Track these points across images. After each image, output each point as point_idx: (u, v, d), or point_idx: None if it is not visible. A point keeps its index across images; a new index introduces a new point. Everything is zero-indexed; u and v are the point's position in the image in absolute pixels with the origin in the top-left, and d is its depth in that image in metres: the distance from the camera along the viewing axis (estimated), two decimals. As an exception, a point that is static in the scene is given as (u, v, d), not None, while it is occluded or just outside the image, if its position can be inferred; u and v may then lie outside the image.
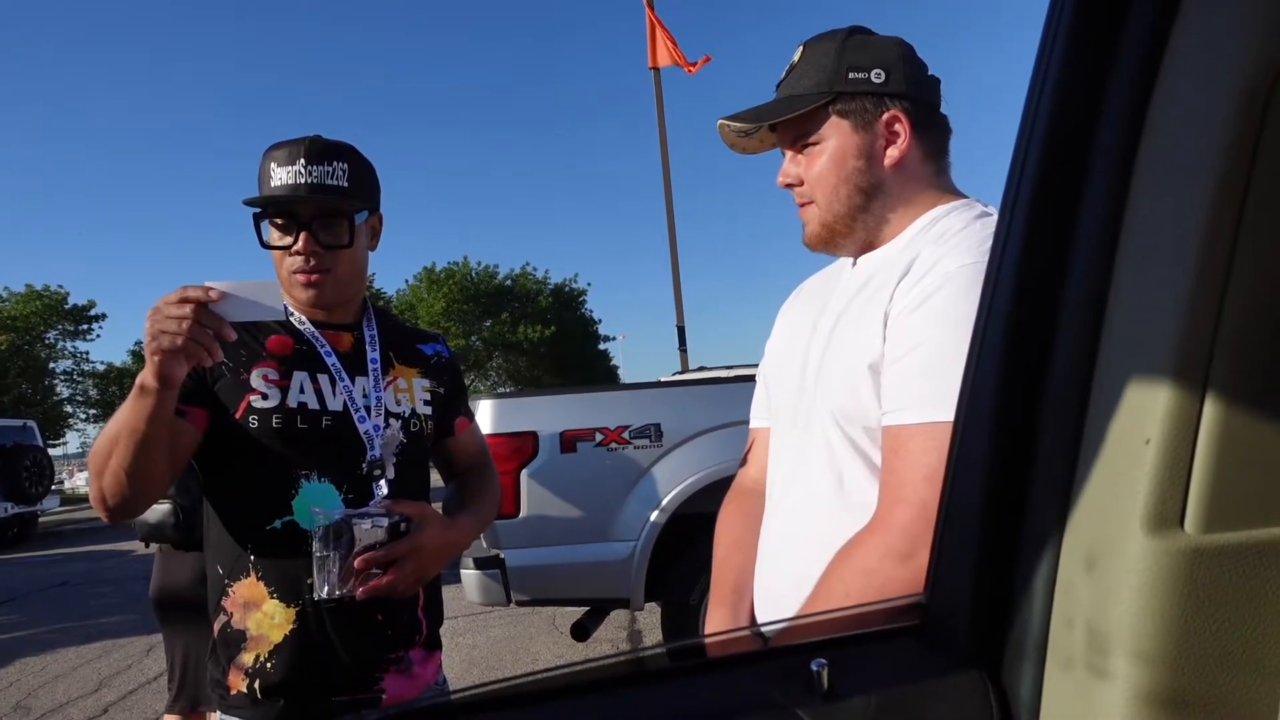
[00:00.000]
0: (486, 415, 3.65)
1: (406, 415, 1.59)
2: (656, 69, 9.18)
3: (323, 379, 1.51)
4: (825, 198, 1.20)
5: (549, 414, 3.71)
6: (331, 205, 1.50)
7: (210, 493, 1.53)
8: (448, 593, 1.75)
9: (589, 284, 39.35)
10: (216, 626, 1.47)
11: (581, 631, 4.11)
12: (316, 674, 1.44)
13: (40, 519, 16.33)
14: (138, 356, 31.46)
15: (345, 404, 1.51)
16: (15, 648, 6.23)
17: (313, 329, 1.55)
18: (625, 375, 43.55)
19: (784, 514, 1.25)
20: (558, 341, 33.81)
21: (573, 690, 0.65)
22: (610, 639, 5.35)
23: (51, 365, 30.59)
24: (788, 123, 1.21)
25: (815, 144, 1.20)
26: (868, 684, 0.62)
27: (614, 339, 39.95)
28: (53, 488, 15.79)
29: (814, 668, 0.61)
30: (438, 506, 1.61)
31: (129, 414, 1.30)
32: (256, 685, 1.43)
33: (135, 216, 71.50)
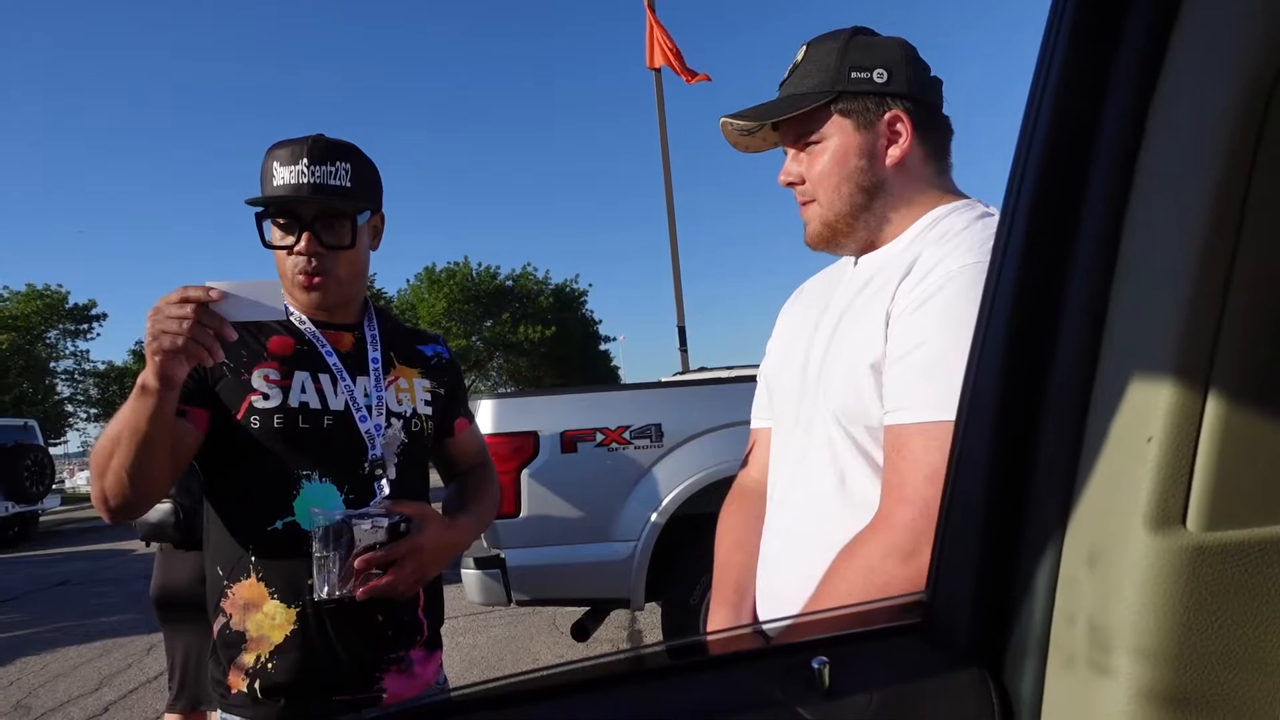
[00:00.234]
0: (487, 415, 3.65)
1: (408, 415, 1.59)
2: (656, 69, 9.18)
3: (324, 379, 1.51)
4: (827, 196, 1.20)
5: (550, 414, 3.71)
6: (334, 206, 1.50)
7: (211, 493, 1.52)
8: (448, 593, 1.75)
9: (590, 284, 39.41)
10: (216, 627, 1.47)
11: (582, 632, 4.11)
12: (317, 674, 1.44)
13: (41, 518, 16.33)
14: (138, 356, 31.47)
15: (347, 404, 1.51)
16: (16, 647, 6.23)
17: (314, 329, 1.55)
18: (626, 375, 43.58)
19: (786, 514, 1.25)
20: (558, 342, 33.82)
21: (573, 688, 0.65)
22: (611, 639, 5.35)
23: (52, 364, 30.62)
24: (790, 121, 1.21)
25: (817, 143, 1.20)
26: (869, 682, 0.62)
27: (615, 339, 40.01)
28: (54, 487, 15.80)
29: (815, 666, 0.61)
30: (437, 507, 1.61)
31: (130, 414, 1.30)
32: (257, 685, 1.43)
33: (135, 215, 71.57)
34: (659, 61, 9.02)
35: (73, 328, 30.81)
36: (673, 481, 3.70)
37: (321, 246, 1.50)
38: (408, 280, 35.47)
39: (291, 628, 1.43)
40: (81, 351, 31.52)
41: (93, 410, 31.82)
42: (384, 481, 1.50)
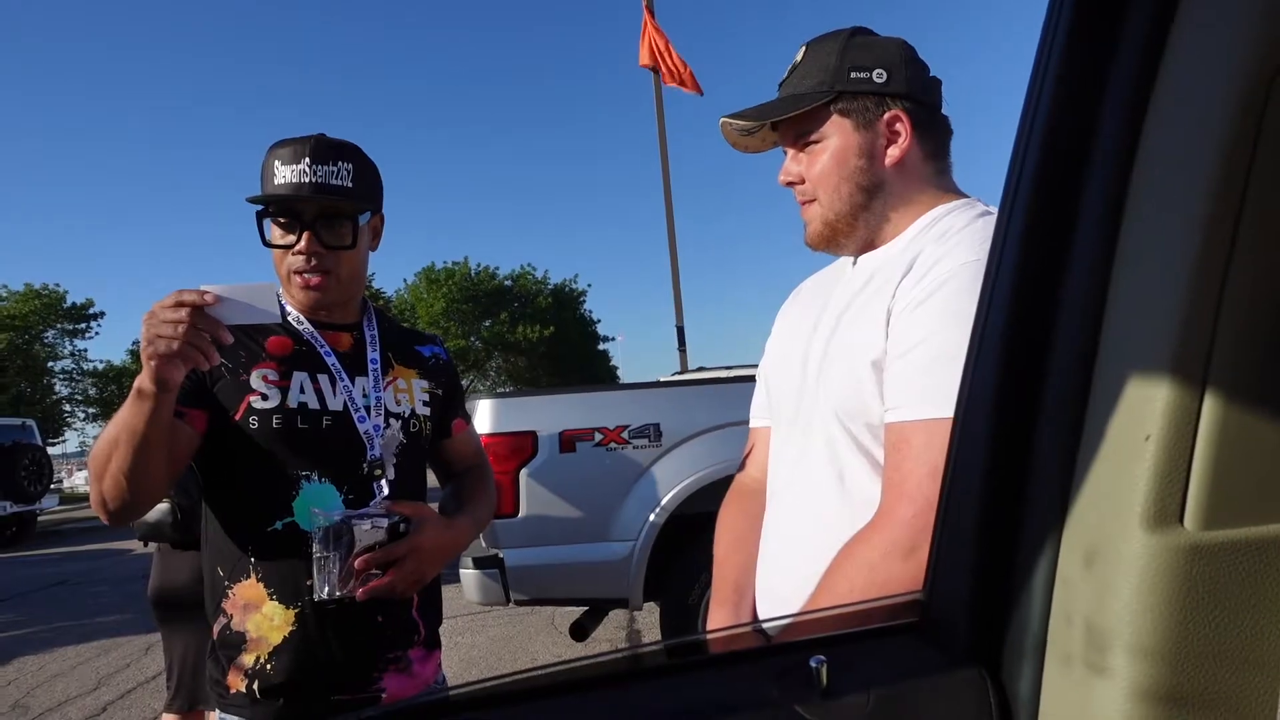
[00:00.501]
0: (486, 415, 3.65)
1: (406, 416, 1.59)
2: (650, 69, 9.18)
3: (323, 379, 1.51)
4: (827, 196, 1.21)
5: (548, 414, 3.71)
6: (335, 206, 1.50)
7: (210, 494, 1.52)
8: (447, 592, 1.75)
9: (589, 285, 39.41)
10: (216, 628, 1.47)
11: (580, 631, 4.11)
12: (316, 674, 1.44)
13: (39, 518, 16.31)
14: (136, 356, 31.37)
15: (345, 404, 1.51)
16: (13, 647, 6.22)
17: (312, 329, 1.55)
18: (624, 375, 43.60)
19: (785, 512, 1.25)
20: (557, 342, 33.82)
21: (570, 687, 0.65)
22: (609, 639, 5.35)
23: (50, 364, 30.59)
24: (790, 121, 1.21)
25: (817, 142, 1.20)
26: (866, 681, 0.62)
27: (613, 339, 39.99)
28: (51, 487, 15.78)
29: (813, 664, 0.61)
30: (434, 507, 1.60)
31: (128, 417, 1.30)
32: (256, 686, 1.43)
33: (132, 212, 71.47)
34: (647, 60, 9.02)
35: (70, 327, 30.79)
36: (671, 481, 3.70)
37: (322, 246, 1.49)
38: (405, 280, 35.49)
39: (290, 628, 1.43)
40: (79, 351, 31.52)
41: (91, 410, 31.81)
42: (383, 482, 1.50)
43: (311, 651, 1.43)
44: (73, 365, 31.44)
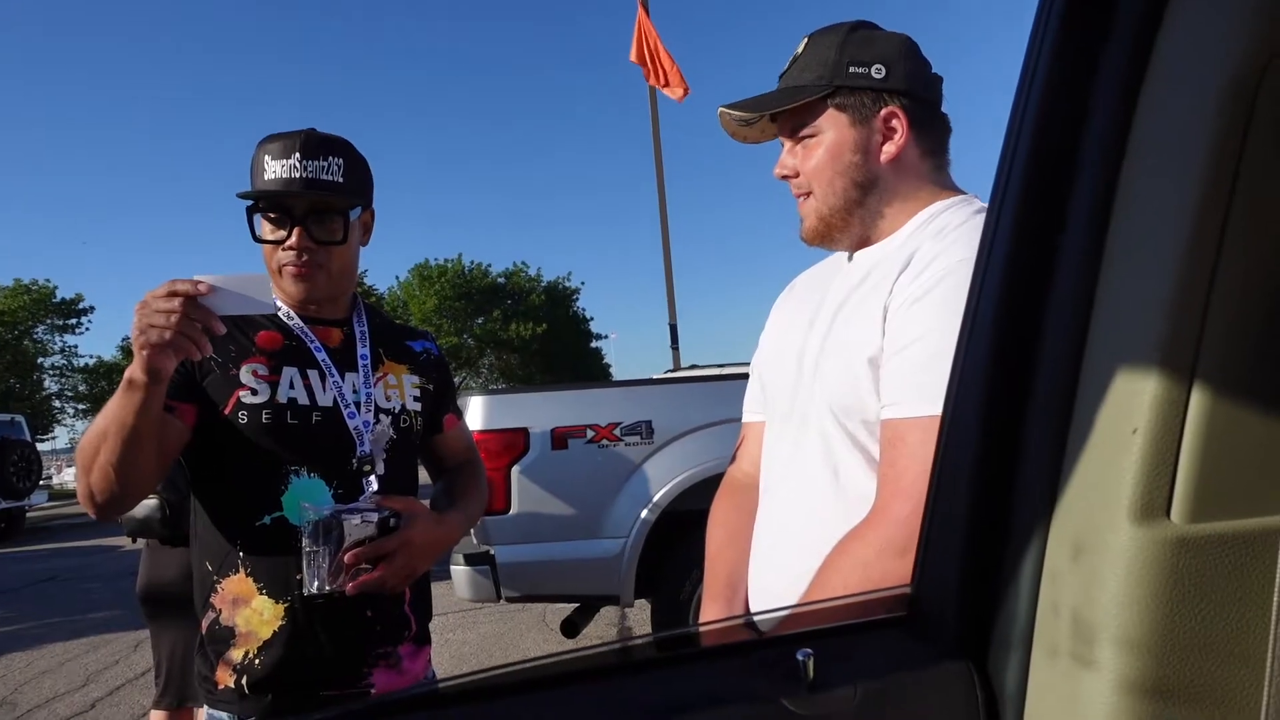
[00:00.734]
0: (478, 411, 3.65)
1: (396, 411, 1.58)
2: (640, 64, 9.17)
3: (312, 374, 1.51)
4: (821, 190, 1.20)
5: (540, 410, 3.71)
6: (326, 202, 1.49)
7: (199, 489, 1.52)
8: (437, 589, 1.75)
9: (582, 282, 39.42)
10: (205, 623, 1.46)
11: (571, 628, 4.11)
12: (305, 669, 1.44)
13: (28, 514, 16.23)
14: (127, 351, 31.29)
15: (335, 399, 1.50)
16: (2, 643, 6.19)
17: (302, 324, 1.54)
18: (617, 373, 43.61)
19: (779, 508, 1.25)
20: (550, 339, 33.80)
21: (559, 680, 0.65)
22: (600, 635, 5.35)
23: (40, 360, 30.44)
24: (787, 114, 1.21)
25: (813, 136, 1.20)
26: (853, 674, 0.62)
27: (606, 337, 40.00)
28: (41, 483, 15.70)
29: (800, 658, 0.61)
30: (425, 503, 1.60)
31: (117, 409, 1.29)
32: (244, 681, 1.42)
33: (123, 207, 71.14)
34: (637, 57, 9.01)
35: (60, 322, 30.64)
36: (663, 478, 3.70)
37: (312, 241, 1.49)
38: (398, 277, 35.43)
39: (280, 623, 1.42)
40: (70, 347, 31.38)
41: (80, 406, 31.66)
42: (372, 478, 1.50)
43: (301, 647, 1.43)
44: (63, 361, 31.32)
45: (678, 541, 3.76)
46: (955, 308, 1.00)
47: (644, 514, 3.68)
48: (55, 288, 30.21)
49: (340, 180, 1.50)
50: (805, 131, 1.20)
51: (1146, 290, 0.54)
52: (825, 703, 0.61)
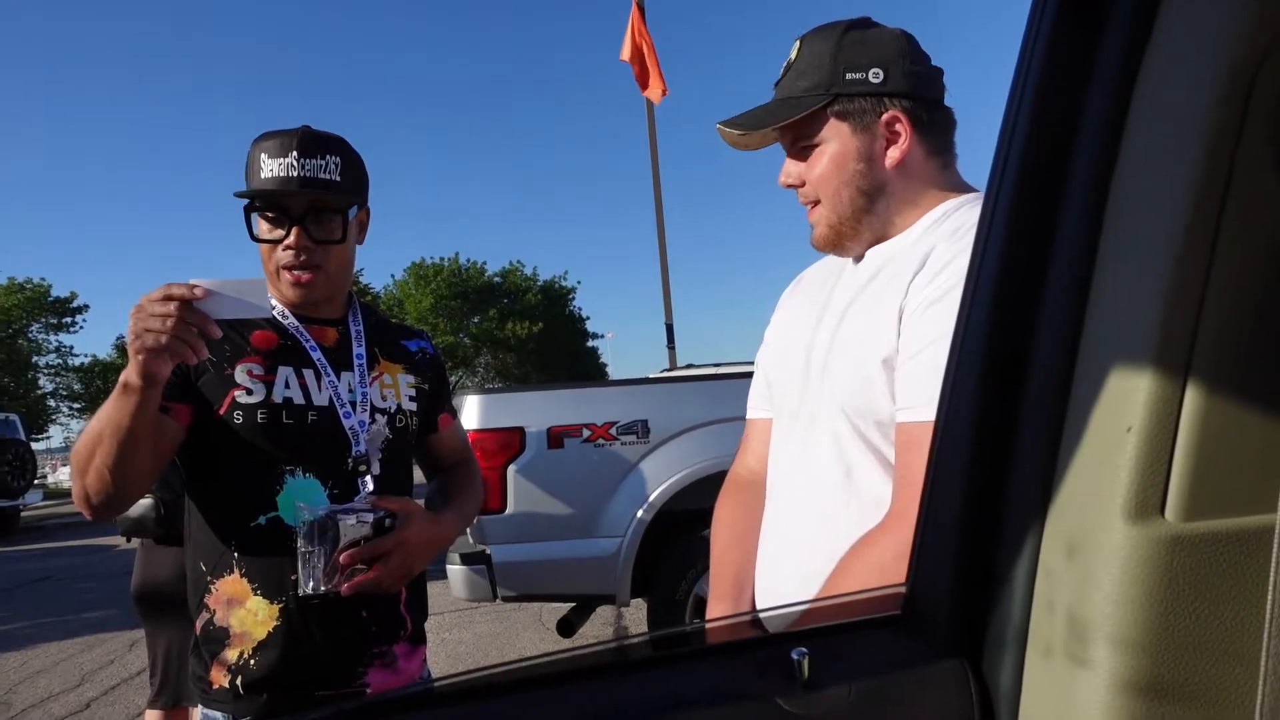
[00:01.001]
0: (473, 410, 3.64)
1: (392, 411, 1.58)
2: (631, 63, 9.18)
3: (308, 374, 1.50)
4: (829, 200, 1.18)
5: (536, 410, 3.71)
6: (324, 200, 1.48)
7: (193, 489, 1.51)
8: (433, 588, 1.75)
9: (578, 281, 39.42)
10: (199, 624, 1.46)
11: (567, 627, 4.11)
12: (300, 669, 1.43)
13: (23, 513, 16.20)
14: (122, 350, 31.20)
15: (331, 399, 1.50)
16: (-4, 643, 6.18)
17: (297, 323, 1.54)
18: (614, 372, 43.63)
19: (788, 508, 1.23)
20: (546, 338, 33.79)
21: (554, 679, 0.65)
22: (596, 635, 5.34)
23: (34, 359, 30.37)
24: (786, 125, 1.18)
25: (815, 146, 1.18)
26: (848, 673, 0.62)
27: (603, 336, 39.98)
28: (35, 482, 15.68)
29: (794, 657, 0.61)
30: (420, 503, 1.60)
31: (112, 412, 1.28)
32: (239, 681, 1.42)
33: (117, 203, 70.94)
34: (624, 56, 9.02)
35: (55, 321, 30.58)
36: (659, 477, 3.70)
37: (310, 240, 1.48)
38: (394, 276, 35.41)
39: (274, 624, 1.42)
40: (65, 346, 31.32)
41: (75, 405, 31.61)
42: (368, 478, 1.49)
43: (296, 647, 1.42)
44: (57, 360, 31.25)
45: (674, 541, 3.76)
46: None
47: (640, 513, 3.68)
48: (50, 286, 30.15)
49: (338, 179, 1.49)
50: (806, 141, 1.18)
51: (1141, 288, 0.54)
52: (820, 702, 0.61)
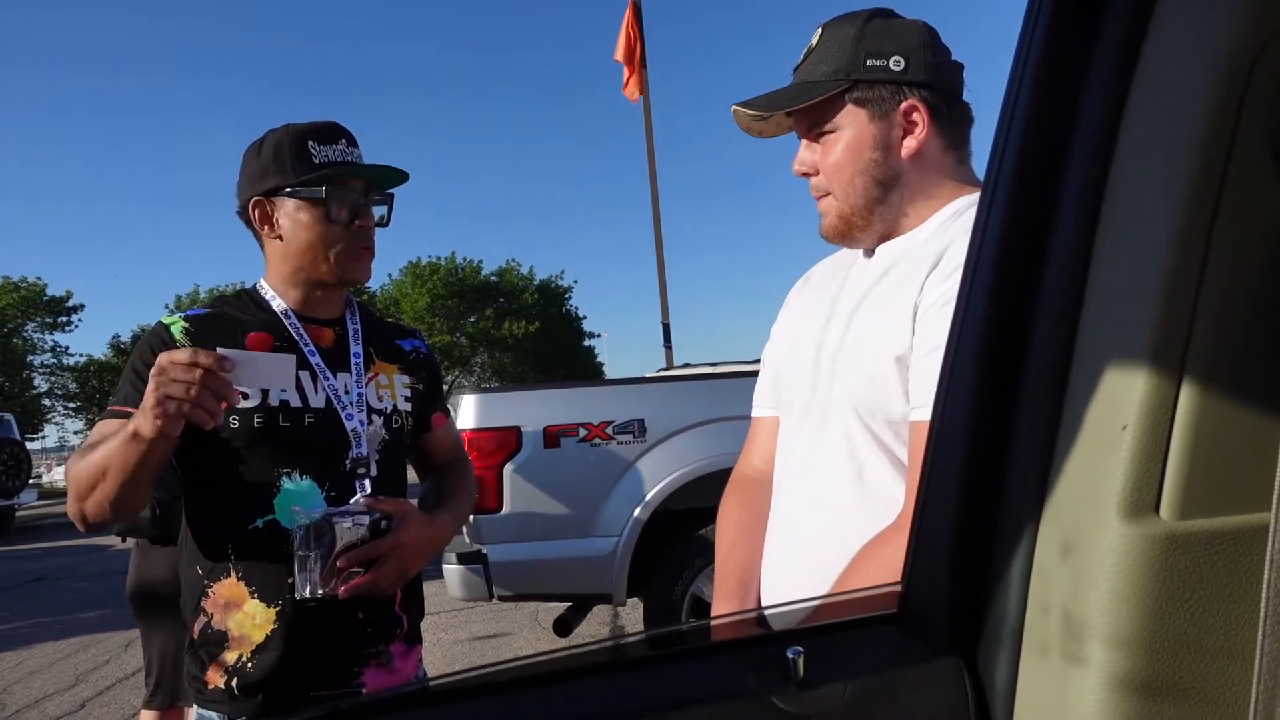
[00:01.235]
0: (470, 410, 3.64)
1: (389, 412, 1.58)
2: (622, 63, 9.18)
3: (304, 375, 1.50)
4: (841, 189, 1.17)
5: (532, 409, 3.71)
6: (397, 182, 1.58)
7: (190, 493, 1.51)
8: (429, 588, 1.74)
9: (575, 280, 39.44)
10: (197, 627, 1.45)
11: (564, 627, 4.11)
12: (297, 671, 1.43)
13: (17, 513, 16.17)
14: (117, 350, 31.22)
15: (328, 400, 1.50)
16: (-9, 643, 6.17)
17: (297, 323, 1.53)
18: (610, 371, 43.63)
19: (796, 506, 1.22)
20: (542, 338, 33.80)
21: (550, 678, 0.65)
22: (593, 635, 5.34)
23: (30, 358, 30.31)
24: (804, 110, 1.17)
25: (831, 132, 1.16)
26: (843, 671, 0.62)
27: (599, 335, 40.03)
28: (30, 482, 15.64)
29: (790, 655, 0.61)
30: (413, 502, 1.59)
31: (120, 455, 1.28)
32: (235, 683, 1.42)
33: (112, 201, 70.76)
34: (618, 56, 9.03)
35: (50, 320, 30.52)
36: (655, 477, 3.70)
37: (374, 223, 1.56)
38: (390, 275, 35.37)
39: (272, 627, 1.42)
40: (60, 346, 31.26)
41: (70, 405, 31.55)
42: (366, 480, 1.49)
43: (293, 649, 1.42)
44: (52, 359, 31.19)
45: (670, 540, 3.76)
46: None
47: (636, 513, 3.68)
48: (45, 285, 30.10)
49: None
50: (822, 128, 1.17)
51: (1136, 287, 0.54)
52: (816, 700, 0.61)
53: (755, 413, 1.43)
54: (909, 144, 1.14)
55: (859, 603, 0.76)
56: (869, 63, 1.13)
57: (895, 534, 1.01)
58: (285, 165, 1.49)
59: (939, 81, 1.14)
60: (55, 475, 34.18)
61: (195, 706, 1.47)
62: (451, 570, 3.69)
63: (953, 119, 1.17)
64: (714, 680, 0.63)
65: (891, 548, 1.00)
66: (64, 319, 30.84)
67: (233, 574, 1.43)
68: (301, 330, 1.53)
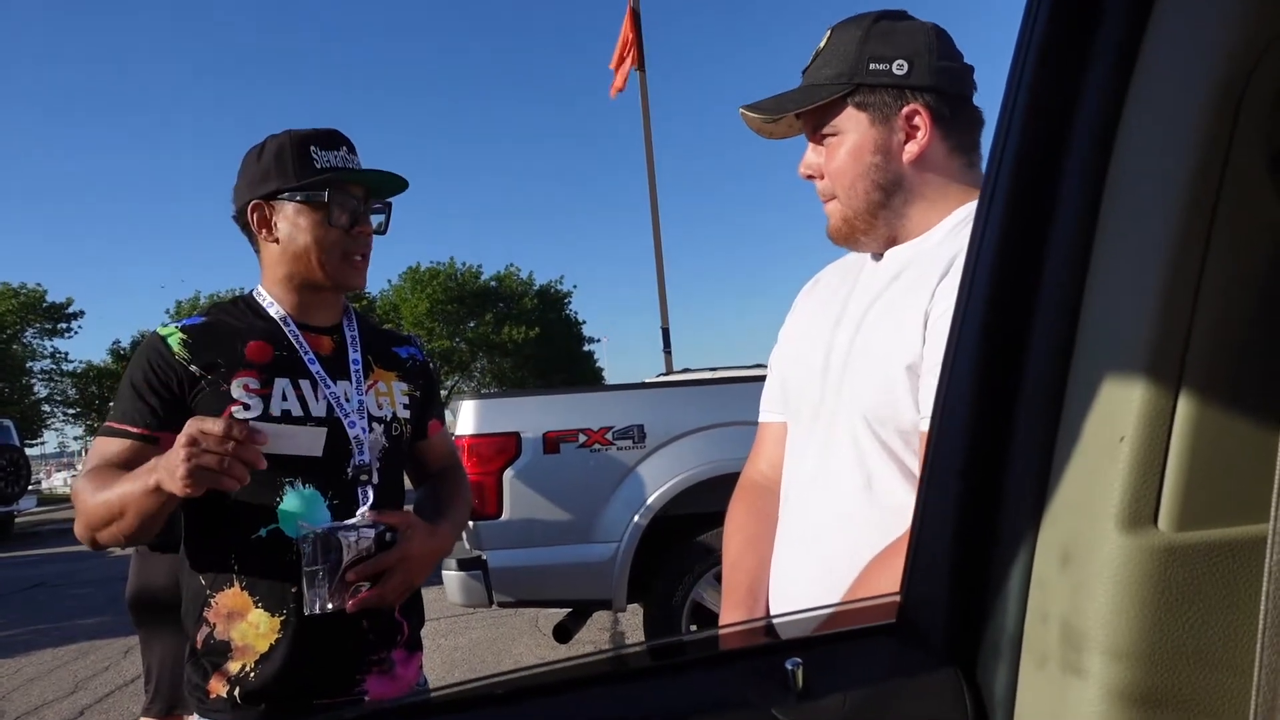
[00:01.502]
0: (469, 416, 3.64)
1: (388, 419, 1.58)
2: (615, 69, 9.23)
3: (304, 384, 1.49)
4: (844, 192, 1.17)
5: (532, 414, 3.71)
6: (398, 190, 1.58)
7: (191, 504, 1.50)
8: (429, 594, 1.74)
9: (574, 286, 39.47)
10: (199, 637, 1.45)
11: (564, 633, 4.10)
12: (299, 680, 1.43)
13: (17, 519, 16.13)
14: (117, 355, 31.19)
15: (329, 408, 1.49)
16: (-10, 650, 6.15)
17: (297, 330, 1.53)
18: (610, 377, 43.60)
19: (805, 514, 1.21)
20: (542, 343, 33.80)
21: (550, 689, 0.65)
22: (592, 641, 5.34)
23: (29, 364, 30.30)
24: (810, 112, 1.17)
25: (834, 136, 1.17)
26: (843, 682, 0.62)
27: (599, 341, 40.02)
28: (30, 488, 15.61)
29: (789, 667, 0.61)
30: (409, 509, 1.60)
31: (139, 503, 1.30)
32: (238, 692, 1.41)
33: (110, 203, 70.74)
34: (613, 63, 9.09)
35: (50, 326, 30.52)
36: (655, 482, 3.70)
37: (373, 230, 1.57)
38: (389, 280, 35.38)
39: (276, 636, 1.41)
40: (60, 352, 31.24)
41: (70, 411, 31.52)
42: (369, 487, 1.49)
43: (297, 658, 1.42)
44: (52, 365, 31.17)
45: (671, 546, 3.76)
46: None
47: (636, 518, 3.68)
48: (45, 291, 30.10)
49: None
50: (826, 130, 1.17)
51: (1133, 298, 0.54)
52: (815, 711, 0.61)
53: (763, 418, 1.42)
54: (910, 149, 1.14)
55: (858, 613, 0.76)
56: (872, 66, 1.13)
57: (906, 545, 1.00)
58: (287, 169, 1.49)
59: (945, 85, 1.13)
60: (54, 481, 34.14)
61: (196, 715, 1.47)
62: (451, 576, 3.69)
63: (959, 123, 1.16)
64: (713, 691, 0.63)
65: (901, 559, 1.00)
66: (64, 325, 30.84)
67: (236, 583, 1.43)
68: (301, 338, 1.53)
